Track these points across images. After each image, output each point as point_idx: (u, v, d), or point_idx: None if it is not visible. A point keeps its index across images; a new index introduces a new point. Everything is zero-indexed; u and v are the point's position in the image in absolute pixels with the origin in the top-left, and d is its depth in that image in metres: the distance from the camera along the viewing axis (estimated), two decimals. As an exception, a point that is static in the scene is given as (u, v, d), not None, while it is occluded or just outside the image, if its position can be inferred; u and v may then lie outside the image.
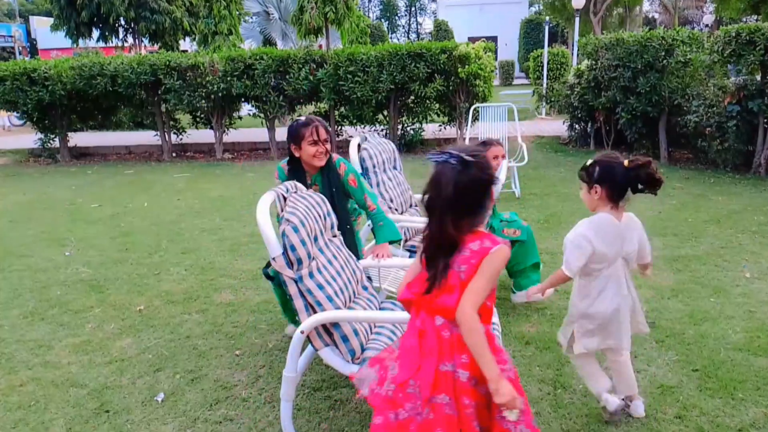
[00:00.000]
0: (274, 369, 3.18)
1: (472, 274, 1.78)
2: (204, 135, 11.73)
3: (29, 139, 12.03)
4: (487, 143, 4.05)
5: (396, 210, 3.93)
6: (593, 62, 9.45)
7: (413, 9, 67.55)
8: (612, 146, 9.77)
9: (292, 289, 2.39)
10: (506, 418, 1.79)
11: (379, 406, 1.86)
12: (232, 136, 11.54)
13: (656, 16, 39.80)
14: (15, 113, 12.55)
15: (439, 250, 1.82)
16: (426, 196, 1.82)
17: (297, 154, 3.09)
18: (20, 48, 31.56)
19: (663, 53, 8.22)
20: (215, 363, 3.31)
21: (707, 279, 4.32)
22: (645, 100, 8.44)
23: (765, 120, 7.61)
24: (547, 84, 14.21)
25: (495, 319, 2.73)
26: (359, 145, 3.86)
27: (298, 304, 2.39)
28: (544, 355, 3.28)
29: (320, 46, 14.34)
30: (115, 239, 5.84)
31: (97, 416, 2.85)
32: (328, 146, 3.10)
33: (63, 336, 3.72)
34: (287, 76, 10.04)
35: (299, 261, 2.36)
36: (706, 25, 27.19)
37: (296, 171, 3.14)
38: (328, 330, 2.38)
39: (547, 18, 22.65)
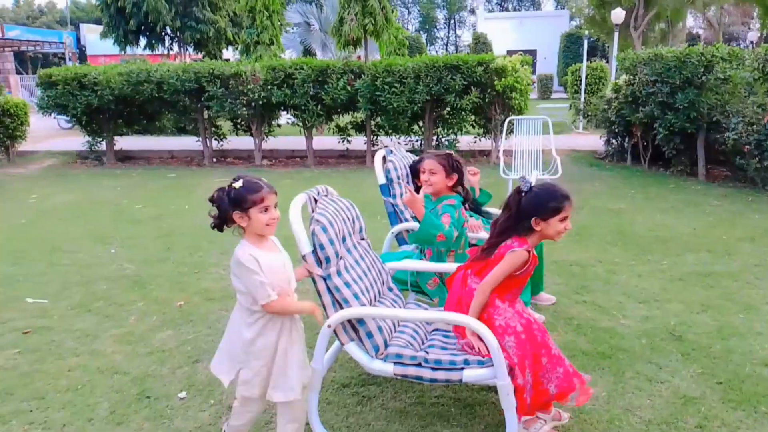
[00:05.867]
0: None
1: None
2: (244, 142, 12.04)
3: (77, 141, 12.53)
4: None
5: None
6: (631, 77, 9.43)
7: (452, 22, 67.81)
8: (649, 162, 9.72)
9: (321, 286, 2.53)
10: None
11: None
12: (271, 143, 11.83)
13: (700, 32, 39.14)
14: (64, 116, 13.07)
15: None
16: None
17: None
18: (70, 54, 32.75)
19: (702, 69, 8.17)
20: (250, 357, 3.46)
21: (738, 295, 4.31)
22: (683, 116, 8.38)
23: (806, 139, 7.50)
24: (584, 98, 14.16)
25: None
26: (384, 158, 4.02)
27: (326, 300, 2.54)
28: (572, 362, 3.33)
29: (359, 57, 14.59)
30: (157, 239, 6.09)
31: (139, 401, 3.02)
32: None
33: (108, 327, 3.93)
34: (326, 86, 10.27)
35: (327, 259, 2.49)
36: (752, 42, 26.63)
37: None
38: (354, 326, 2.51)
39: (587, 32, 22.52)
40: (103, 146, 11.86)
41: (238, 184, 2.23)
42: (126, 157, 12.21)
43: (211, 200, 2.29)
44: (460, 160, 3.46)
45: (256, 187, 2.24)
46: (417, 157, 3.89)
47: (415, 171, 3.80)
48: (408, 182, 4.05)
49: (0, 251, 5.72)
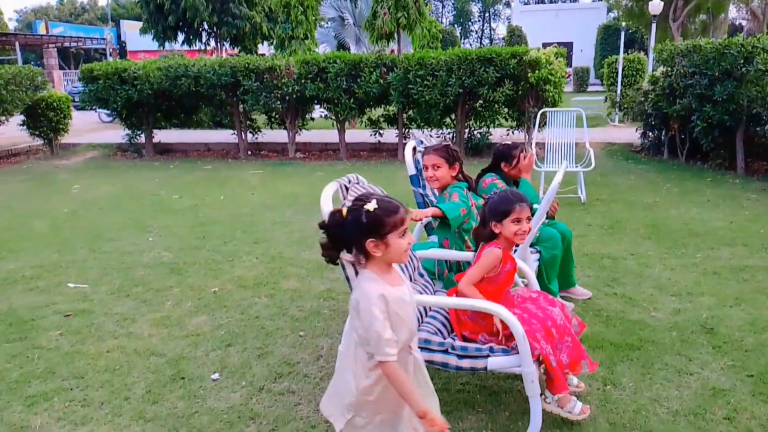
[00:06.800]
0: (334, 350, 3.37)
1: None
2: (278, 135, 12.20)
3: (117, 134, 12.87)
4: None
5: None
6: (669, 69, 9.24)
7: (487, 15, 67.22)
8: (686, 155, 9.53)
9: (350, 271, 2.57)
10: None
11: None
12: (305, 136, 11.96)
13: (743, 23, 37.96)
14: (105, 110, 13.44)
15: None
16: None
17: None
18: (111, 50, 33.53)
19: (742, 61, 7.95)
20: (281, 342, 3.55)
21: (774, 290, 4.23)
22: (722, 109, 8.18)
23: None
24: (621, 91, 13.92)
25: None
26: (414, 148, 4.02)
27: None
28: (597, 354, 3.32)
29: (392, 51, 14.62)
30: (193, 228, 6.25)
31: (174, 382, 3.14)
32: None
33: (145, 311, 4.08)
34: (358, 80, 10.32)
35: (357, 246, 2.54)
36: (798, 33, 25.74)
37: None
38: (384, 311, 2.56)
39: (623, 24, 22.08)
40: (143, 139, 12.16)
41: (372, 206, 1.83)
42: (164, 150, 12.49)
43: (325, 227, 1.90)
44: (457, 149, 3.52)
45: (393, 207, 1.87)
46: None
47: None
48: None
49: (44, 239, 5.95)
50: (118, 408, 2.91)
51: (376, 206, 1.84)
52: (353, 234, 1.86)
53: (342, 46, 22.01)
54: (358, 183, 2.83)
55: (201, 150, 12.66)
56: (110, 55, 32.27)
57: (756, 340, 3.45)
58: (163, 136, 12.70)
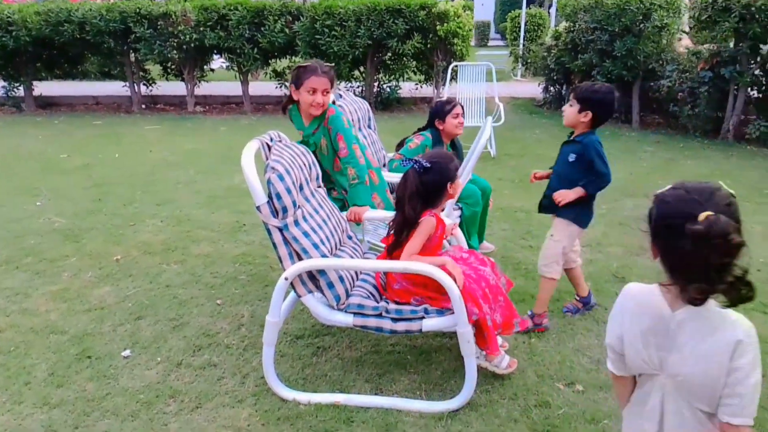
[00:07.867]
0: (256, 318, 3.22)
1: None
2: (175, 87, 11.44)
3: (-9, 87, 11.59)
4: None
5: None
6: (571, 24, 9.46)
7: (389, -35, 66.13)
8: (586, 109, 9.88)
9: (277, 237, 2.41)
10: None
11: None
12: (204, 89, 11.29)
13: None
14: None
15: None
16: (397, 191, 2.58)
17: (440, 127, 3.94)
18: (-23, -9, 29.99)
19: (640, 17, 8.26)
20: (196, 312, 3.33)
21: (675, 238, 4.46)
22: (621, 64, 8.51)
23: (735, 87, 7.76)
24: (524, 46, 14.18)
25: None
26: (334, 102, 3.81)
27: (282, 251, 2.42)
28: (520, 307, 3.32)
29: (296, -1, 14.00)
30: (87, 190, 5.75)
31: (80, 361, 2.86)
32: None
33: (40, 284, 3.69)
34: (262, 28, 9.82)
35: (284, 209, 2.37)
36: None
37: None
38: (313, 277, 2.42)
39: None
40: (21, 92, 11.02)
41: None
42: (47, 104, 11.40)
43: (682, 257, 1.29)
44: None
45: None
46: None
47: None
48: (360, 127, 3.88)
49: None
50: (18, 394, 2.61)
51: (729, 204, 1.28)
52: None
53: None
54: (280, 141, 2.63)
55: (89, 103, 11.66)
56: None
57: (664, 288, 3.62)
58: (44, 88, 11.56)
